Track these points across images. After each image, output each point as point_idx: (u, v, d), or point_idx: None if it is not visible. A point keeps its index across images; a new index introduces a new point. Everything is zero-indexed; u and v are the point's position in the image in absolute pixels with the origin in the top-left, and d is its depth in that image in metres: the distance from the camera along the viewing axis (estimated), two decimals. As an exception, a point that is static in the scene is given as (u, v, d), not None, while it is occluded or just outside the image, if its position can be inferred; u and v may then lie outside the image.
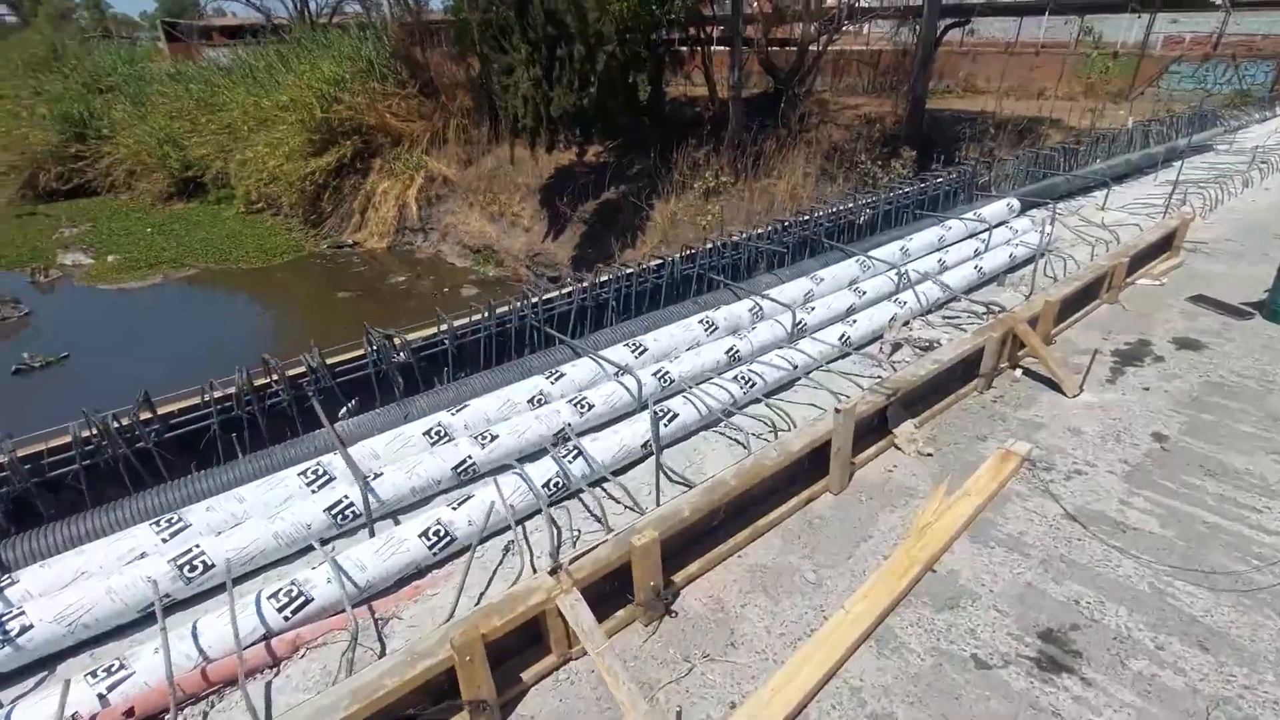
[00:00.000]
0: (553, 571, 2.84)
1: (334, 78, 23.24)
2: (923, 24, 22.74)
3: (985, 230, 7.44)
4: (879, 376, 5.06)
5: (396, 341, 4.51)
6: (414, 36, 25.53)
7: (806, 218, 6.81)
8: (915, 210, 7.88)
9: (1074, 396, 4.97)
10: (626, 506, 3.81)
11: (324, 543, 3.55)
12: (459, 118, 24.78)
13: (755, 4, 28.29)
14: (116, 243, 20.54)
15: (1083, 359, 5.42)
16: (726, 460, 4.18)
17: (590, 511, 3.73)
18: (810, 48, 28.99)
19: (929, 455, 4.37)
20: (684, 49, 27.29)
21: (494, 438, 4.11)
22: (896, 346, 5.45)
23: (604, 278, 5.50)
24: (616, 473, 4.10)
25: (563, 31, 20.39)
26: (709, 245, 6.18)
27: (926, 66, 23.37)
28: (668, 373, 4.84)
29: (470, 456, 4.01)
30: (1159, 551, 3.58)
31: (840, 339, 5.50)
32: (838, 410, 3.79)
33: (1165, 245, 7.24)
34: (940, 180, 8.19)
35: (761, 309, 5.74)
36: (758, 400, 4.71)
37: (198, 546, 3.30)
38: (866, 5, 28.31)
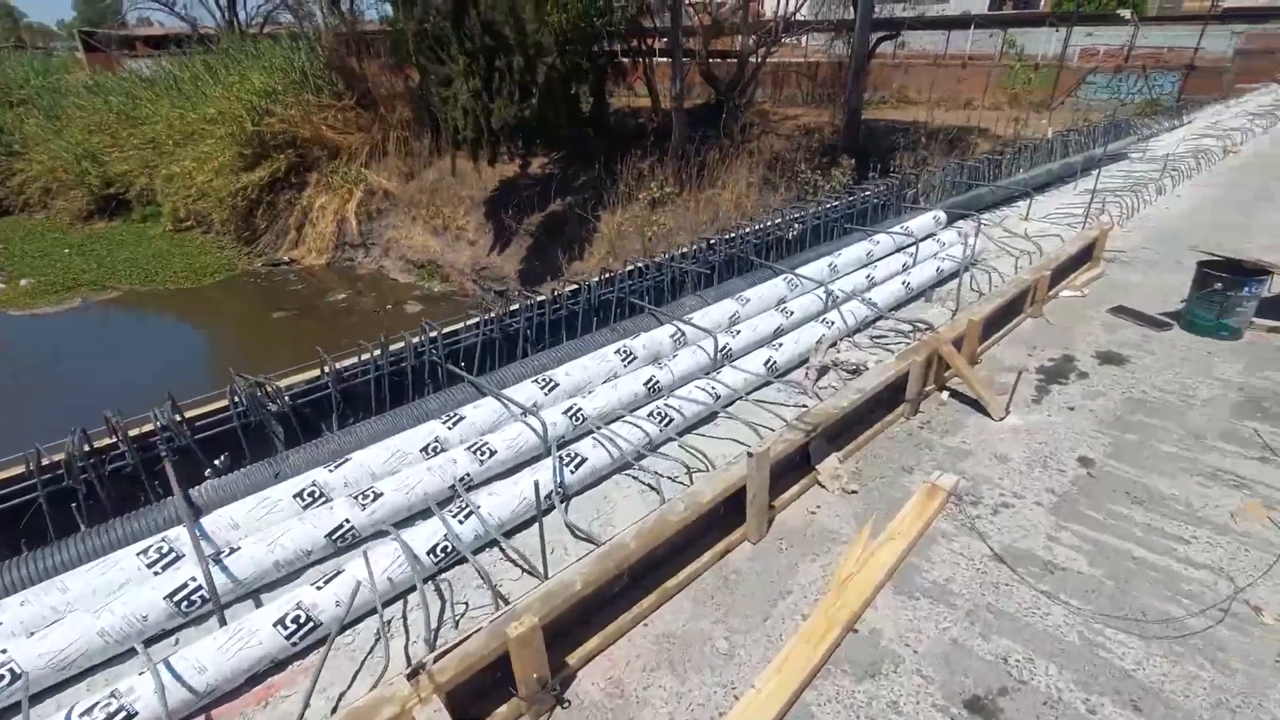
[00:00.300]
0: (412, 674, 2.39)
1: (265, 89, 22.20)
2: (855, 37, 22.98)
3: (912, 244, 7.26)
4: (804, 405, 4.76)
5: (270, 389, 3.98)
6: (349, 47, 24.61)
7: (732, 235, 6.50)
8: (844, 224, 7.67)
9: (1000, 420, 4.74)
10: (525, 570, 3.39)
11: (158, 638, 3.02)
12: (399, 130, 23.96)
13: (696, 17, 28.17)
14: (31, 265, 19.13)
15: (1009, 377, 5.22)
16: (639, 509, 3.79)
17: (484, 578, 3.28)
18: (750, 59, 29.08)
19: (854, 492, 4.06)
20: (626, 60, 27.00)
21: (378, 496, 3.62)
22: (823, 371, 5.15)
23: (514, 306, 5.06)
24: (515, 530, 3.67)
25: (501, 42, 19.81)
26: (629, 267, 5.80)
27: (860, 78, 23.61)
28: (580, 410, 4.43)
29: (348, 520, 3.51)
30: (1088, 594, 3.32)
31: (766, 364, 5.18)
32: (750, 454, 3.44)
33: (1086, 256, 7.17)
34: (868, 193, 8.00)
35: (684, 335, 5.38)
36: (675, 438, 4.33)
37: (4, 652, 2.74)
38: (802, 19, 28.54)
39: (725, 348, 5.32)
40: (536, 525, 3.70)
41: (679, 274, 6.04)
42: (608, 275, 5.60)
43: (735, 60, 28.80)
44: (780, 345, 5.40)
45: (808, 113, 28.29)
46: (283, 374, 4.15)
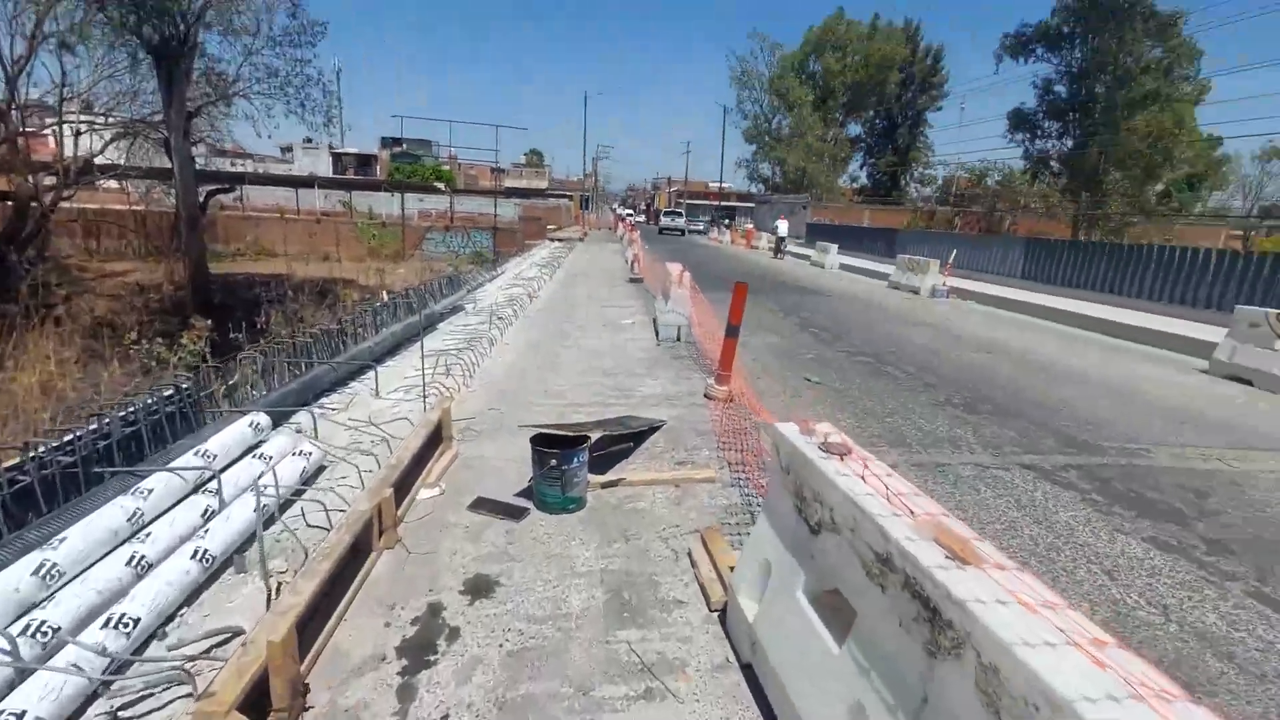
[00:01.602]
0: None
1: None
2: (178, 186, 18.98)
3: (214, 478, 4.70)
4: None
5: None
6: None
7: None
8: (91, 469, 4.49)
9: (344, 816, 2.64)
10: None
11: None
12: None
13: (-84, 144, 18.87)
14: None
15: (362, 689, 3.25)
16: None
17: None
18: (33, 204, 21.31)
19: None
20: None
21: None
22: None
23: None
24: None
25: None
26: None
27: (197, 230, 19.63)
28: None
29: None
30: None
31: None
32: None
33: (436, 439, 6.00)
34: (135, 410, 5.03)
35: None
36: None
37: None
38: (107, 161, 22.46)
39: None
40: None
41: None
42: None
43: (12, 204, 20.59)
44: None
45: (141, 268, 22.21)
46: None
